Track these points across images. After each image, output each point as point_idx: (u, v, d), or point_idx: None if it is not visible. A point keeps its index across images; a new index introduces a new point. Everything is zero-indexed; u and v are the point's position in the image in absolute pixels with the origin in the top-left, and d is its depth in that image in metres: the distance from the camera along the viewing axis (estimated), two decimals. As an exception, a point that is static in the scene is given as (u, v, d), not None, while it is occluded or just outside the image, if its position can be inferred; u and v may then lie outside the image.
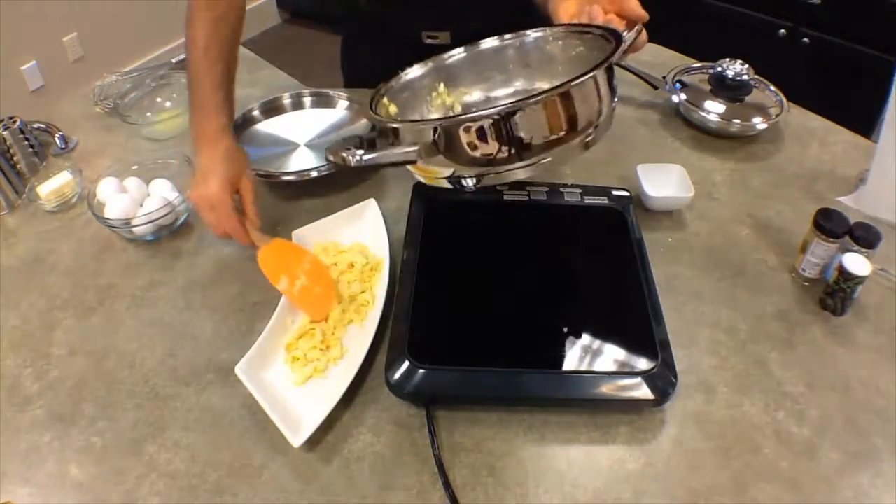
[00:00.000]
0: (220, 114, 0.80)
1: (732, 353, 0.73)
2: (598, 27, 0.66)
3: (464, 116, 0.61)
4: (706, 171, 0.97)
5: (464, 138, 0.58)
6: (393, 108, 0.71)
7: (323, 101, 1.06)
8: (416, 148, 0.59)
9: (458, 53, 0.76)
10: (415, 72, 0.74)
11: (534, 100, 0.57)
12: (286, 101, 1.06)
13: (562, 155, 0.60)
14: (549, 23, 0.75)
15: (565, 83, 0.56)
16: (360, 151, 0.62)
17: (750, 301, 0.78)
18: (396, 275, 0.77)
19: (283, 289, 0.75)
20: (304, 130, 1.01)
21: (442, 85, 0.76)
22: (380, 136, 0.66)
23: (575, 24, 0.69)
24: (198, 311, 0.79)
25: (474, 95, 0.77)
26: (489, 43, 0.75)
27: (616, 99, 0.63)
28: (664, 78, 1.09)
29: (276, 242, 0.80)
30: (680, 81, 1.07)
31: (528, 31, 0.73)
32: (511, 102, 0.58)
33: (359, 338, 0.73)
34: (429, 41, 0.98)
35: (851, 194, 0.91)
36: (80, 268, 0.86)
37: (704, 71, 1.09)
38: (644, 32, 0.68)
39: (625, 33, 0.65)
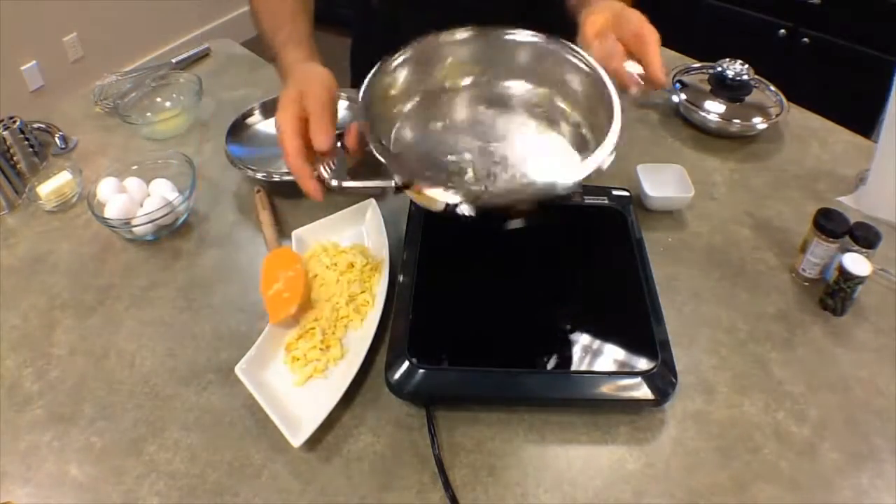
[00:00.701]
0: (284, 52, 0.76)
1: (732, 353, 0.73)
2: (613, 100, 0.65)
3: (439, 197, 0.60)
4: (706, 171, 0.97)
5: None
6: (399, 81, 0.70)
7: (323, 101, 1.06)
8: (395, 182, 0.60)
9: (476, 32, 0.74)
10: (444, 37, 0.73)
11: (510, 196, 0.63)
12: (286, 101, 1.06)
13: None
14: (571, 29, 0.73)
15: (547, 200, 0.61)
16: (333, 174, 0.64)
17: (750, 301, 0.78)
18: (396, 275, 0.77)
19: (263, 291, 0.77)
20: (304, 130, 1.00)
21: (450, 58, 0.74)
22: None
23: (591, 68, 0.68)
24: (198, 311, 0.79)
25: (468, 80, 0.75)
26: (509, 34, 0.74)
27: None
28: (664, 78, 1.09)
29: (281, 249, 0.81)
30: (680, 81, 1.07)
31: (553, 40, 0.72)
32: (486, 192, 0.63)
33: (359, 338, 0.73)
34: None
35: (851, 194, 0.91)
36: (80, 268, 0.86)
37: (704, 71, 1.09)
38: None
39: (632, 91, 0.65)
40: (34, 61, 2.41)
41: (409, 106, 0.73)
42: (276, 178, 0.91)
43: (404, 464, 0.64)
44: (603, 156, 0.60)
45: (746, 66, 1.02)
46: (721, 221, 0.89)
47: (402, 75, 0.72)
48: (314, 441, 0.65)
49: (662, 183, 0.89)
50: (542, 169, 0.69)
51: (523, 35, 0.73)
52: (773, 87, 1.06)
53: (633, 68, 0.65)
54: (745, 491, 0.61)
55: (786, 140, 1.03)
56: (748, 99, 1.03)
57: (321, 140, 0.63)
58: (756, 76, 1.04)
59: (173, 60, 1.23)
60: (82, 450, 0.66)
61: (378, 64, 0.70)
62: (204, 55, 1.28)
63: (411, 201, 0.84)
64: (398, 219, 0.86)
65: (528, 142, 0.71)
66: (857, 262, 0.72)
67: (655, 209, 0.89)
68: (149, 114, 1.10)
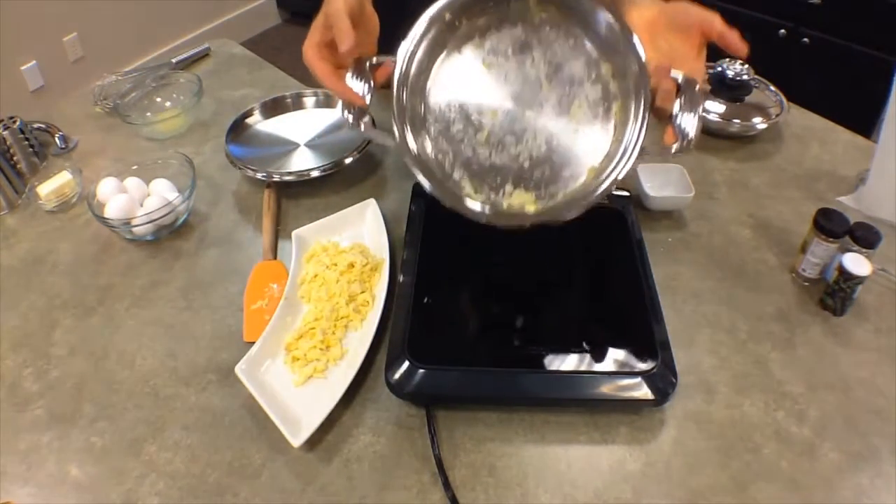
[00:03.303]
0: None
1: (732, 353, 0.73)
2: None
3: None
4: (706, 171, 0.97)
5: None
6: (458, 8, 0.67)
7: (323, 101, 1.06)
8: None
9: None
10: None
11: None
12: (286, 101, 1.06)
13: None
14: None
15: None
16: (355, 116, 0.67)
17: (750, 301, 0.78)
18: (396, 275, 0.77)
19: (246, 302, 0.78)
20: (304, 130, 1.01)
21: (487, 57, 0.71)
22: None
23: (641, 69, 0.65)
24: (198, 311, 0.79)
25: (536, 24, 0.70)
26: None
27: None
28: (664, 78, 1.08)
29: (273, 263, 0.83)
30: (680, 81, 1.07)
31: (624, 25, 0.66)
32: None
33: (359, 338, 0.73)
34: None
35: (851, 194, 0.91)
36: (80, 268, 0.86)
37: (704, 71, 1.08)
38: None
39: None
40: (34, 61, 2.41)
41: (461, 32, 0.70)
42: (276, 178, 0.91)
43: (404, 464, 0.64)
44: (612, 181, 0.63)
45: (746, 66, 1.02)
46: (721, 221, 0.89)
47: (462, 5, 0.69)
48: (314, 441, 0.65)
49: (662, 183, 0.89)
50: (553, 162, 0.68)
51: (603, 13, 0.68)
52: (773, 87, 1.06)
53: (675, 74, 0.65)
54: (745, 491, 0.61)
55: (786, 140, 1.03)
56: (748, 99, 1.02)
57: (341, 43, 0.65)
58: (756, 76, 1.04)
59: (173, 60, 1.23)
60: (82, 450, 0.66)
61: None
62: (204, 55, 1.28)
63: (411, 201, 0.85)
64: (398, 219, 0.86)
65: (559, 122, 0.69)
66: (857, 262, 0.72)
67: (655, 209, 0.89)
68: (149, 114, 1.10)
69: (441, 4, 0.68)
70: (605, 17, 0.67)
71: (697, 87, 0.64)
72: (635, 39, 0.66)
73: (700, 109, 0.64)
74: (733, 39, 0.64)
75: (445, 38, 0.70)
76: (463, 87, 0.70)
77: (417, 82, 0.69)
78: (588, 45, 0.69)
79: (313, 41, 0.68)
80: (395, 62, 0.68)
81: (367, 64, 0.69)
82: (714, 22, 0.65)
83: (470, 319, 0.73)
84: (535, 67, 0.70)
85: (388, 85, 0.69)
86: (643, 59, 0.66)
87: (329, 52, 0.68)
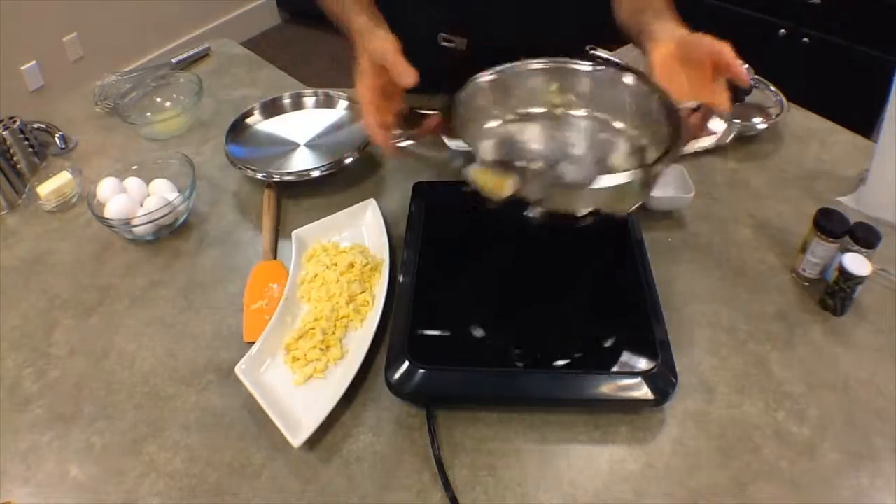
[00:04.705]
0: (354, 20, 0.76)
1: (732, 353, 0.73)
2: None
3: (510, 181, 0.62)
4: (706, 171, 0.97)
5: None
6: (484, 99, 0.70)
7: (323, 101, 1.06)
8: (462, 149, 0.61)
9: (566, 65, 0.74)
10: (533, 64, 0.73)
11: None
12: (286, 101, 1.06)
13: None
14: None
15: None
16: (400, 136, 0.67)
17: (750, 301, 0.78)
18: (396, 275, 0.77)
19: (246, 302, 0.78)
20: (304, 130, 1.01)
21: (550, 85, 0.74)
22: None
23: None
24: (198, 311, 0.79)
25: (561, 107, 0.74)
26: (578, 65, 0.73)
27: None
28: (664, 78, 1.08)
29: (272, 263, 0.83)
30: (680, 81, 1.07)
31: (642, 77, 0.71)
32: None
33: (359, 338, 0.73)
34: (444, 44, 0.98)
35: (851, 194, 0.91)
36: (80, 268, 0.86)
37: (704, 71, 1.08)
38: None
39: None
40: (34, 61, 2.41)
41: (490, 123, 0.73)
42: (276, 178, 0.91)
43: (404, 464, 0.64)
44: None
45: (746, 66, 1.02)
46: (721, 221, 0.89)
47: (487, 95, 0.72)
48: (314, 441, 0.65)
49: (662, 183, 0.89)
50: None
51: (627, 76, 0.72)
52: (773, 87, 1.06)
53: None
54: (745, 491, 0.61)
55: (786, 140, 1.03)
56: (748, 99, 1.02)
57: (402, 80, 0.66)
58: (756, 76, 1.04)
59: (173, 60, 1.23)
60: (82, 450, 0.66)
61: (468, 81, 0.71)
62: (204, 55, 1.28)
63: (411, 201, 0.85)
64: (398, 219, 0.86)
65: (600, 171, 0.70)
66: (857, 262, 0.72)
67: (655, 209, 0.89)
68: (149, 114, 1.10)
69: (478, 82, 0.71)
70: (638, 88, 0.70)
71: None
72: (672, 104, 0.66)
73: (722, 118, 0.67)
74: (738, 70, 0.65)
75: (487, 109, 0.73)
76: (498, 145, 0.72)
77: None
78: (620, 125, 0.72)
79: (367, 83, 0.68)
80: (438, 116, 0.68)
81: (412, 112, 0.70)
82: (723, 52, 0.66)
83: (470, 319, 0.73)
84: (570, 142, 0.73)
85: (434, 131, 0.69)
86: (682, 126, 0.66)
87: (377, 95, 0.69)
